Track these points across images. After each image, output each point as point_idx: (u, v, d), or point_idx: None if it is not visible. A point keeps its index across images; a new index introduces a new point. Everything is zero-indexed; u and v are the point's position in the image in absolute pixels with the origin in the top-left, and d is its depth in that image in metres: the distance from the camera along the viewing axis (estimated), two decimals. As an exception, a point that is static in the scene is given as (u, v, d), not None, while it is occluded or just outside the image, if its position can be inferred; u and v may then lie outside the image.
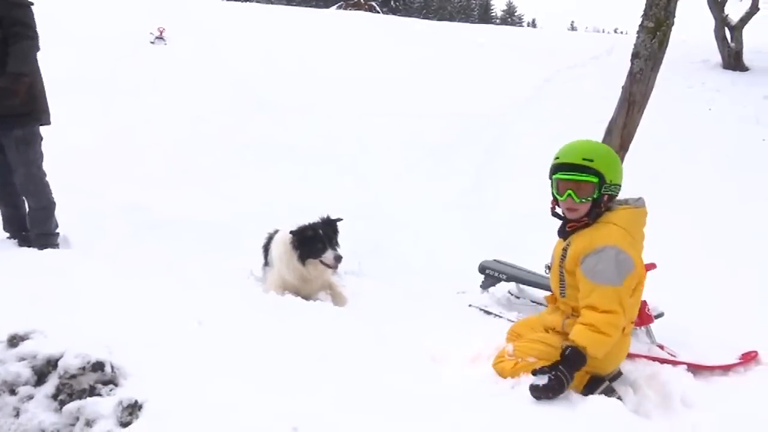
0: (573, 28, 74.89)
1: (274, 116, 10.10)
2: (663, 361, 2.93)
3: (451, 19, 72.71)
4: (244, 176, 7.04)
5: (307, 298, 3.50)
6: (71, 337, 2.18)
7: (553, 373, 2.29)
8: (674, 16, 4.67)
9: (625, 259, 2.41)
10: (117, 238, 4.79)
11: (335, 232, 3.63)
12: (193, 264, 4.19)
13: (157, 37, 15.33)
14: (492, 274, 4.05)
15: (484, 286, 4.08)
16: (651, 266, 2.90)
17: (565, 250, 2.60)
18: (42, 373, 2.11)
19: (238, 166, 7.45)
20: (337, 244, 3.60)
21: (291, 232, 3.58)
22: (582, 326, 2.40)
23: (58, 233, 4.01)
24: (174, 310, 2.68)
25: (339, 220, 3.71)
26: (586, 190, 2.49)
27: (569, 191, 2.51)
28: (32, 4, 3.66)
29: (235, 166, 7.44)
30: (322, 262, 3.56)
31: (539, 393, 2.27)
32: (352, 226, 4.04)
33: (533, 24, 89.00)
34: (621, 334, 2.47)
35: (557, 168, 2.56)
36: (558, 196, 2.59)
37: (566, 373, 2.29)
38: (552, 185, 2.61)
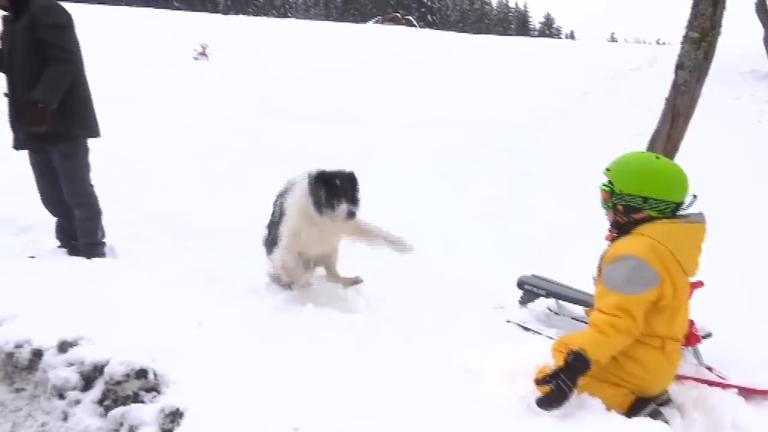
0: (613, 39, 73.65)
1: (309, 127, 10.26)
2: (712, 383, 2.81)
3: (488, 32, 72.62)
4: (277, 184, 7.15)
5: (311, 264, 3.43)
6: (116, 345, 2.25)
7: (555, 381, 2.23)
8: (720, 26, 4.55)
9: (646, 270, 2.35)
10: (158, 247, 4.91)
11: (354, 188, 3.36)
12: (231, 272, 4.25)
13: (200, 53, 15.81)
14: (531, 289, 3.97)
15: (523, 301, 4.01)
16: (698, 284, 2.80)
17: (598, 266, 2.57)
18: (89, 378, 2.18)
19: (274, 176, 7.55)
20: (355, 198, 3.33)
21: (309, 173, 3.35)
22: (585, 329, 2.38)
23: (104, 242, 4.13)
24: (215, 320, 2.73)
25: (355, 178, 3.41)
26: (605, 199, 2.61)
27: (603, 203, 2.64)
28: (68, 25, 3.71)
29: (270, 176, 7.55)
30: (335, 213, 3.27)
31: (543, 404, 2.22)
32: None
33: (572, 36, 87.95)
34: (625, 340, 2.36)
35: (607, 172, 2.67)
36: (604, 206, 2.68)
37: (567, 381, 2.23)
38: None
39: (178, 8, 61.23)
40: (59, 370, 2.18)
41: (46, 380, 2.24)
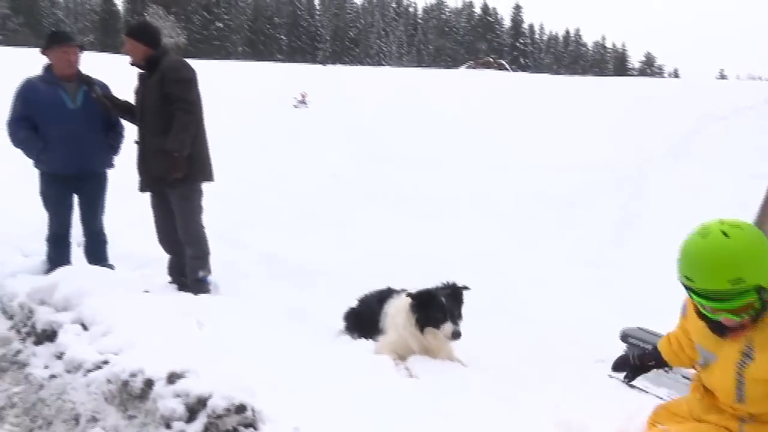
0: (722, 77, 69.37)
1: (402, 171, 10.46)
2: None
3: (583, 73, 71.08)
4: (371, 227, 7.28)
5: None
6: (219, 379, 2.36)
7: None
8: None
9: None
10: (258, 285, 5.13)
11: (459, 302, 3.29)
12: (325, 313, 4.35)
13: (299, 101, 16.77)
14: (636, 343, 3.70)
15: (627, 356, 3.74)
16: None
17: (745, 354, 2.13)
18: (193, 410, 2.29)
19: (367, 217, 7.73)
20: (459, 316, 3.25)
21: (409, 295, 3.31)
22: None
23: (210, 280, 4.39)
24: (310, 360, 2.79)
25: (465, 288, 3.38)
26: (744, 309, 2.05)
27: (725, 314, 2.08)
28: (192, 80, 4.05)
29: (363, 217, 7.74)
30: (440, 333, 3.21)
31: None
32: (470, 280, 3.91)
33: (676, 74, 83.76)
34: None
35: (694, 292, 2.06)
36: (707, 313, 2.14)
37: None
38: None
39: (281, 60, 65.63)
40: (167, 401, 2.31)
41: (155, 409, 2.38)
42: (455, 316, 3.20)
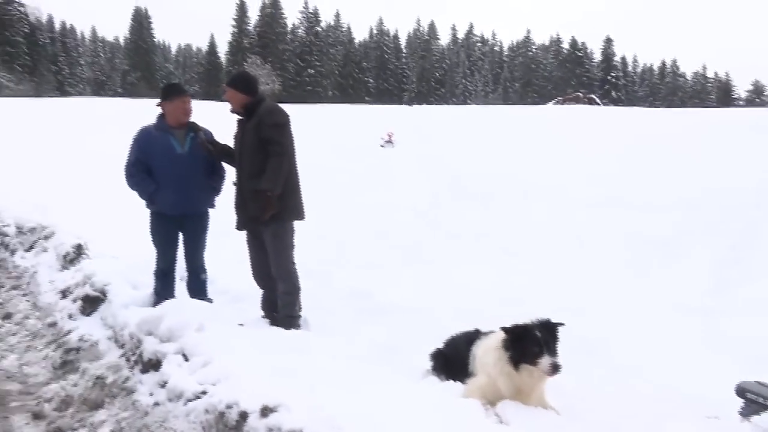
0: None
1: (489, 209, 10.33)
2: None
3: (682, 105, 67.45)
4: (456, 265, 7.21)
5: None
6: (310, 414, 2.39)
7: None
8: None
9: None
10: (346, 321, 5.22)
11: (555, 337, 3.16)
12: (410, 350, 4.32)
13: (386, 141, 17.18)
14: (756, 399, 3.35)
15: (745, 413, 3.38)
16: None
17: None
18: (284, 445, 2.34)
19: (452, 255, 7.67)
20: (556, 350, 3.11)
21: (503, 329, 3.19)
22: None
23: (300, 315, 4.53)
24: (398, 399, 2.77)
25: (560, 324, 3.25)
26: None
27: None
28: (286, 124, 4.30)
29: (449, 255, 7.69)
30: (536, 367, 3.04)
31: None
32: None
33: (788, 103, 77.40)
34: None
35: None
36: None
37: None
38: None
39: (369, 102, 67.81)
40: (260, 434, 2.38)
41: (248, 442, 2.45)
42: (552, 350, 3.05)
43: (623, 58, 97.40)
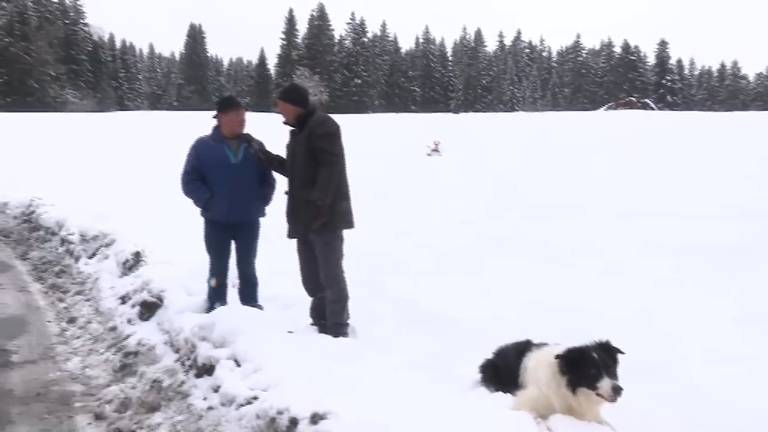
0: None
1: (538, 217, 10.13)
2: None
3: (744, 108, 64.45)
4: (506, 275, 7.08)
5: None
6: (358, 423, 2.40)
7: None
8: None
9: None
10: (393, 331, 5.20)
11: (614, 359, 3.04)
12: (457, 362, 4.26)
13: (433, 150, 17.15)
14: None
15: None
16: None
17: None
18: (332, 452, 2.35)
19: (500, 265, 7.54)
20: (615, 374, 2.98)
21: (557, 356, 3.06)
22: None
23: (348, 323, 4.56)
24: (447, 409, 2.74)
25: (619, 351, 3.09)
26: None
27: None
28: (337, 134, 4.37)
29: (496, 265, 7.56)
30: (596, 393, 2.91)
31: None
32: (616, 338, 3.58)
33: None
34: None
35: None
36: None
37: None
38: None
39: (415, 111, 67.94)
40: (310, 441, 2.40)
41: (298, 449, 2.48)
42: (612, 373, 2.90)
43: (679, 61, 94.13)
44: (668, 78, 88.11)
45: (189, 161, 4.79)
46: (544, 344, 3.34)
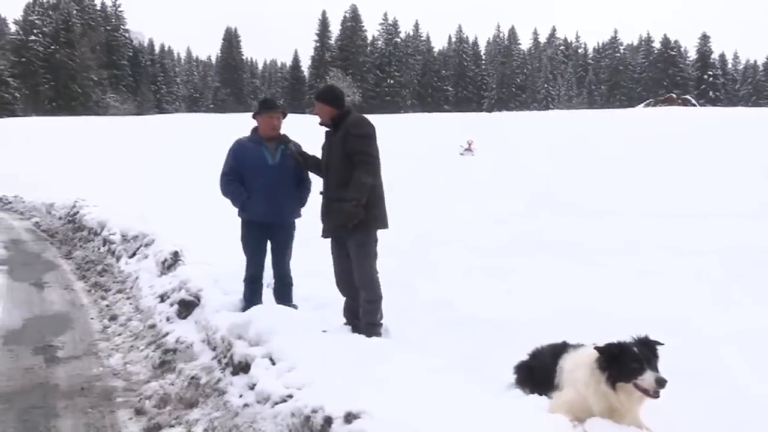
0: None
1: (573, 219, 9.94)
2: None
3: (791, 103, 61.95)
4: (540, 278, 6.97)
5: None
6: (392, 423, 2.40)
7: None
8: None
9: None
10: (426, 332, 5.18)
11: (655, 354, 2.97)
12: (490, 364, 4.22)
13: (465, 149, 17.04)
14: None
15: None
16: None
17: None
18: (367, 452, 2.35)
19: (534, 266, 7.42)
20: (657, 368, 2.91)
21: (597, 349, 3.01)
22: None
23: (381, 324, 4.56)
24: (482, 411, 2.71)
25: (659, 343, 3.04)
26: None
27: None
28: (372, 135, 4.37)
29: (530, 265, 7.44)
30: (637, 386, 2.85)
31: None
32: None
33: None
34: None
35: None
36: None
37: None
38: None
39: (448, 111, 67.58)
40: (345, 440, 2.41)
41: (332, 448, 2.50)
42: (654, 366, 2.84)
43: (722, 55, 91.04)
44: (710, 73, 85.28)
45: (228, 162, 4.88)
46: (581, 345, 3.27)
